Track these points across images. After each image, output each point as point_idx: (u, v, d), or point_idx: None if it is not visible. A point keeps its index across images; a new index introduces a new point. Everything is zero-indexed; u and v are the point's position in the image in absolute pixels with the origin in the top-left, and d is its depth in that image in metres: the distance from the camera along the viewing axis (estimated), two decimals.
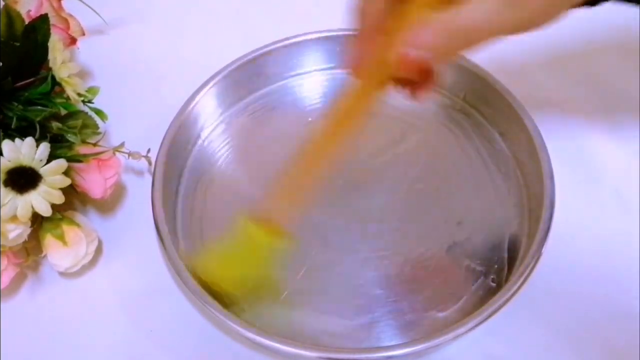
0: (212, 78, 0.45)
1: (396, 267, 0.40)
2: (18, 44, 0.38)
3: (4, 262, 0.38)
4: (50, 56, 0.39)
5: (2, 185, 0.36)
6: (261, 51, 0.46)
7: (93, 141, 0.42)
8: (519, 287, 0.35)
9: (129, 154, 0.42)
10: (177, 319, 0.39)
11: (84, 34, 0.49)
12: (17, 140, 0.35)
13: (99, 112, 0.43)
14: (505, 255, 0.40)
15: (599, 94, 0.48)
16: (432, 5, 0.28)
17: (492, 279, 0.39)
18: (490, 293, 0.38)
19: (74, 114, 0.41)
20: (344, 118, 0.32)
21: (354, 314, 0.38)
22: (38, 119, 0.38)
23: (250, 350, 0.38)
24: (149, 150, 0.42)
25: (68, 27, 0.46)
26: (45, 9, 0.44)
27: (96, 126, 0.42)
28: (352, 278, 0.39)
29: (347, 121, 0.32)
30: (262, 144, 0.46)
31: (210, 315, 0.38)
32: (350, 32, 0.31)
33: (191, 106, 0.44)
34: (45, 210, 0.37)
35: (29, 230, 0.38)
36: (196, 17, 0.55)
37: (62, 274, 0.40)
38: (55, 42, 0.39)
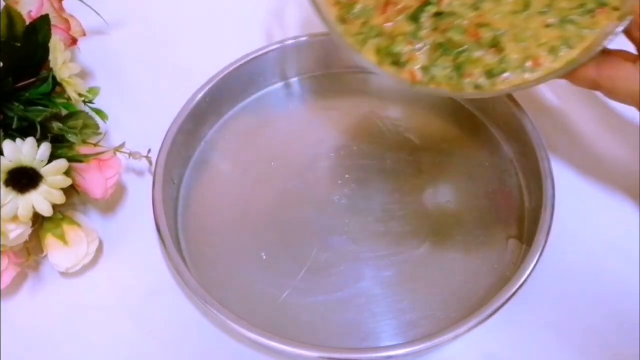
0: (212, 79, 0.45)
1: (396, 267, 0.40)
2: (19, 45, 0.38)
3: (5, 261, 0.38)
4: (51, 56, 0.39)
5: (3, 185, 0.36)
6: (260, 52, 0.46)
7: (94, 141, 0.42)
8: (518, 288, 0.35)
9: (130, 154, 0.42)
10: (177, 319, 0.39)
11: (84, 35, 0.49)
12: (18, 140, 0.36)
13: (99, 112, 0.43)
14: (505, 255, 0.40)
15: (598, 94, 0.48)
16: None
17: (492, 279, 0.39)
18: (490, 293, 0.38)
19: (74, 114, 0.41)
20: None
21: (354, 314, 0.38)
22: (39, 119, 0.38)
23: (251, 350, 0.38)
24: (149, 150, 0.42)
25: (69, 28, 0.46)
26: (46, 9, 0.44)
27: (97, 126, 0.42)
28: (352, 278, 0.39)
29: None
30: (261, 144, 0.46)
31: (210, 315, 0.38)
32: None
33: (191, 106, 0.44)
34: (46, 210, 0.37)
35: (29, 230, 0.38)
36: (196, 18, 0.55)
37: (63, 273, 0.40)
38: (56, 43, 0.39)
